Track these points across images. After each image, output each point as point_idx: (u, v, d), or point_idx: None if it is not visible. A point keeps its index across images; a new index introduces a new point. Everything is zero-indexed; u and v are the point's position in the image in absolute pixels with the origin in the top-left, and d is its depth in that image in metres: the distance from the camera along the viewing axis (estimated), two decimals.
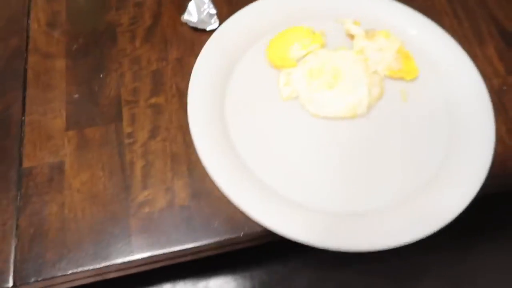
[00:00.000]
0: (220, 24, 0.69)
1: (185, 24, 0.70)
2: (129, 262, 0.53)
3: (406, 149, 0.60)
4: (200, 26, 0.70)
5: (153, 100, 0.64)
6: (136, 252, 0.53)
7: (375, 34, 0.69)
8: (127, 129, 0.61)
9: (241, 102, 0.62)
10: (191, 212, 0.56)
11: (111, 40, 0.69)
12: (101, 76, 0.66)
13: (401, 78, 0.65)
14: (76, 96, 0.64)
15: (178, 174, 0.58)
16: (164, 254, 0.53)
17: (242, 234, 0.54)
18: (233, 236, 0.54)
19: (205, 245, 0.54)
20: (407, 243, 0.52)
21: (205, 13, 0.71)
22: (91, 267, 0.52)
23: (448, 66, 0.66)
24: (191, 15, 0.71)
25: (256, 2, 0.70)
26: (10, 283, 0.51)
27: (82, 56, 0.68)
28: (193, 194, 0.57)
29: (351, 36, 0.69)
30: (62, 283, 0.54)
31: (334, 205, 0.55)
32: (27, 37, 0.70)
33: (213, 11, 0.72)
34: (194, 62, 0.63)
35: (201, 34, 0.69)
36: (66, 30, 0.70)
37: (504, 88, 0.68)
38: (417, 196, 0.56)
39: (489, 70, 0.69)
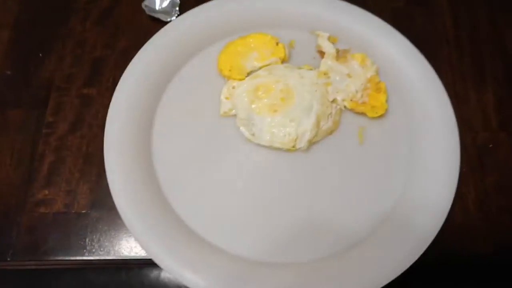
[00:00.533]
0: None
1: (145, 12, 0.64)
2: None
3: (349, 198, 0.52)
4: (160, 16, 0.64)
5: (85, 90, 0.59)
6: (15, 254, 0.49)
7: (348, 55, 0.59)
8: (49, 118, 0.57)
9: (175, 113, 0.56)
10: (86, 223, 0.51)
11: (63, 17, 0.64)
12: (40, 55, 0.61)
13: (364, 114, 0.56)
14: (9, 72, 0.60)
15: (85, 177, 0.53)
16: (42, 262, 0.49)
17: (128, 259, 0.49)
18: (119, 258, 0.49)
19: (84, 262, 0.49)
20: None
21: (167, 2, 0.64)
22: None
23: (423, 111, 0.56)
24: (152, 2, 0.64)
25: None
26: None
27: (29, 29, 0.63)
28: (94, 203, 0.52)
29: (321, 54, 0.60)
30: None
31: (253, 252, 0.48)
32: None
33: (177, 1, 0.65)
34: None
35: (159, 26, 0.62)
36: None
37: (490, 146, 0.57)
38: (357, 251, 0.48)
39: (479, 120, 0.58)
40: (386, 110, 0.56)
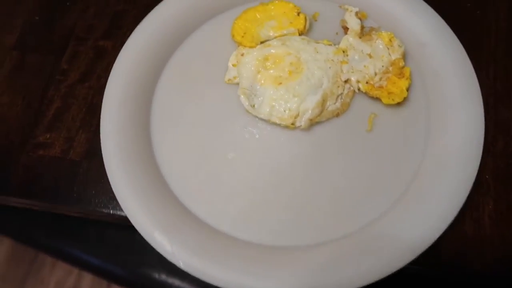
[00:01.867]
0: None
1: None
2: None
3: (350, 185, 0.47)
4: None
5: (101, 42, 0.59)
6: (9, 190, 0.52)
7: (374, 34, 0.54)
8: (64, 65, 0.58)
9: (180, 77, 0.54)
10: (78, 170, 0.52)
11: None
12: (67, 3, 0.62)
13: (378, 100, 0.50)
14: (37, 18, 0.62)
15: (85, 127, 0.54)
16: (39, 204, 0.51)
17: (111, 212, 0.50)
18: (102, 211, 0.50)
19: (68, 209, 0.50)
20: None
21: None
22: None
23: (449, 107, 0.49)
24: None
25: None
26: None
27: None
28: (89, 153, 0.53)
29: (346, 30, 0.55)
30: None
31: (254, 236, 0.46)
32: None
33: None
34: None
35: None
36: None
37: None
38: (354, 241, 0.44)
39: None
40: (405, 99, 0.50)
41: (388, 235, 0.44)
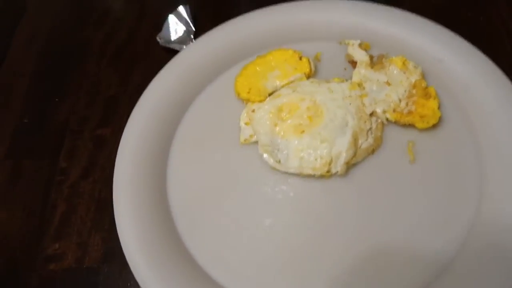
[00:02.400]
0: None
1: (159, 44, 0.60)
2: None
3: (407, 230, 0.41)
4: (175, 47, 0.60)
5: (99, 131, 0.55)
6: None
7: (385, 61, 0.51)
8: (62, 164, 0.53)
9: (191, 145, 0.50)
10: (98, 279, 0.45)
11: (79, 59, 0.62)
12: (56, 100, 0.59)
13: (412, 126, 0.46)
14: (26, 121, 0.58)
15: (97, 226, 0.48)
16: None
17: None
18: None
19: None
20: None
21: (182, 31, 0.61)
22: None
23: (485, 114, 0.45)
24: (167, 33, 0.61)
25: (239, 17, 0.57)
26: None
27: (46, 76, 0.62)
28: (107, 255, 0.46)
29: (353, 64, 0.52)
30: None
31: None
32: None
33: (192, 28, 0.61)
34: None
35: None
36: (42, 47, 0.65)
37: None
38: None
39: None
40: (440, 119, 0.46)
41: None
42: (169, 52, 0.60)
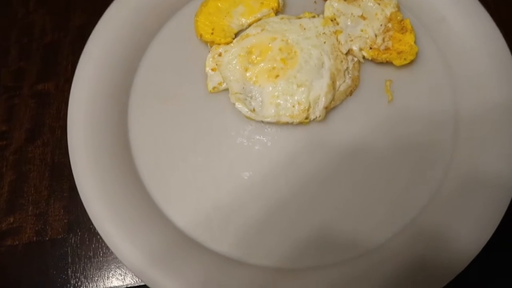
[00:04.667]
0: None
1: None
2: None
3: (388, 174, 0.40)
4: None
5: (40, 87, 0.48)
6: None
7: None
8: (1, 127, 0.46)
9: (152, 98, 0.44)
10: (65, 250, 0.41)
11: (3, 2, 0.52)
12: None
13: (389, 63, 0.44)
14: None
15: (56, 193, 0.43)
16: None
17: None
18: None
19: None
20: None
21: None
22: None
23: (467, 49, 0.44)
24: None
25: None
26: None
27: None
28: (72, 224, 0.42)
29: None
30: None
31: (274, 259, 0.38)
32: None
33: None
34: None
35: None
36: None
37: None
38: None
39: None
40: (417, 54, 0.44)
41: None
42: None
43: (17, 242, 0.41)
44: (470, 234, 0.36)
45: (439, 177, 0.40)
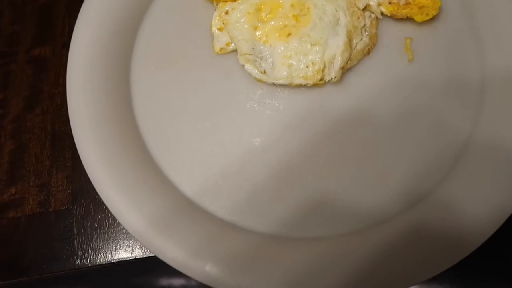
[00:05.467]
0: None
1: None
2: None
3: (405, 144, 0.38)
4: None
5: (36, 52, 0.45)
6: None
7: None
8: None
9: (156, 60, 0.42)
10: (70, 221, 0.39)
11: None
12: None
13: (409, 19, 0.41)
14: None
15: (58, 163, 0.41)
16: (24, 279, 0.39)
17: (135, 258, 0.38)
18: (119, 259, 0.38)
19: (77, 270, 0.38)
20: None
21: None
22: None
23: (492, 4, 0.40)
24: None
25: None
26: None
27: None
28: (76, 194, 0.40)
29: None
30: None
31: (274, 226, 0.36)
32: None
33: None
34: None
35: None
36: None
37: None
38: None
39: None
40: (440, 8, 0.40)
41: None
42: None
43: (20, 214, 0.40)
44: (490, 208, 0.34)
45: (459, 145, 0.38)
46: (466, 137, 0.38)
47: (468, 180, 0.36)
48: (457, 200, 0.35)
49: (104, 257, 0.38)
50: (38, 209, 0.40)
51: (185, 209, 0.36)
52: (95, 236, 0.38)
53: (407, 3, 0.41)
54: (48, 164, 0.41)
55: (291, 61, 0.39)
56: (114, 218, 0.37)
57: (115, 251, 0.38)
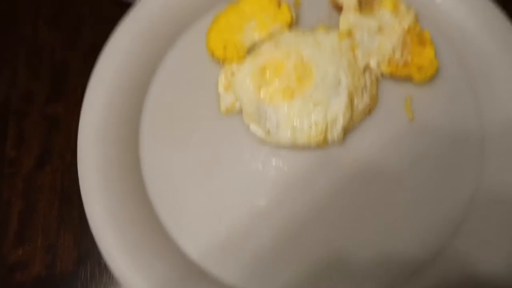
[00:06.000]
0: None
1: None
2: None
3: (409, 204, 0.38)
4: None
5: (49, 110, 0.46)
6: None
7: (375, 3, 0.44)
8: (10, 153, 0.45)
9: (164, 119, 0.43)
10: (75, 285, 0.40)
11: (9, 21, 0.51)
12: None
13: (408, 79, 0.42)
14: None
15: (66, 223, 0.42)
16: None
17: None
18: None
19: None
20: None
21: None
22: None
23: (490, 64, 0.42)
24: None
25: None
26: None
27: None
28: (82, 256, 0.41)
29: (338, 9, 0.46)
30: None
31: None
32: None
33: None
34: None
35: (128, 9, 0.48)
36: None
37: None
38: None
39: None
40: (438, 68, 0.42)
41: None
42: (121, 6, 0.50)
43: (25, 277, 0.40)
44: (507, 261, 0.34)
45: (467, 198, 0.38)
46: (474, 187, 0.38)
47: (480, 232, 0.36)
48: (470, 254, 0.35)
49: None
50: (44, 272, 0.40)
51: (190, 273, 0.36)
52: None
53: (405, 64, 0.42)
54: (56, 224, 0.42)
55: (295, 121, 0.39)
56: (118, 283, 0.37)
57: None
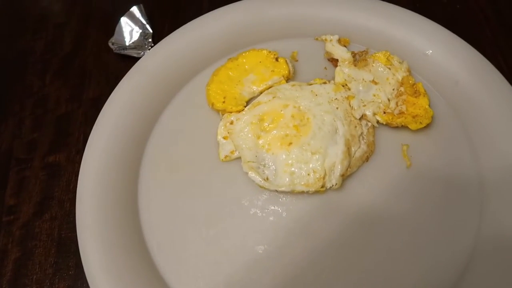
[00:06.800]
0: None
1: (112, 51, 0.53)
2: None
3: (410, 247, 0.38)
4: (131, 53, 0.53)
5: (51, 158, 0.47)
6: None
7: (369, 57, 0.47)
8: (9, 201, 0.45)
9: (163, 168, 0.43)
10: None
11: (18, 74, 0.53)
12: None
13: (404, 127, 0.43)
14: None
15: (61, 271, 0.41)
16: None
17: None
18: None
19: None
20: None
21: (137, 34, 0.53)
22: None
23: (483, 111, 0.43)
24: (121, 37, 0.53)
25: (203, 15, 0.51)
26: None
27: None
28: None
29: (334, 62, 0.48)
30: None
31: None
32: None
33: (149, 30, 0.54)
34: None
35: (132, 64, 0.50)
36: None
37: None
38: None
39: None
40: (433, 117, 0.43)
41: None
42: (125, 60, 0.53)
43: None
44: None
45: (468, 243, 0.38)
46: (475, 233, 0.38)
47: (483, 278, 0.35)
48: None
49: None
50: None
51: None
52: None
53: (401, 113, 0.43)
54: (51, 272, 0.41)
55: (293, 169, 0.40)
56: None
57: None
